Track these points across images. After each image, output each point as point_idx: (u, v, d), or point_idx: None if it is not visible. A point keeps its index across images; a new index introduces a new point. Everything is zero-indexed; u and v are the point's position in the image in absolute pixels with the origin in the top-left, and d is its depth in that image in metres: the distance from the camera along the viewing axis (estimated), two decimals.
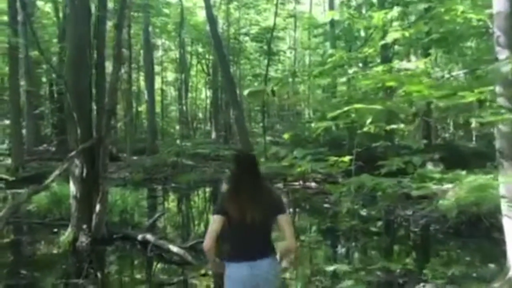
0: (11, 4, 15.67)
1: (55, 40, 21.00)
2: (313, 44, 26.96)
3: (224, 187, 2.99)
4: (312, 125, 19.66)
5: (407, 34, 5.27)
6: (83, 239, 6.86)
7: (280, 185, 13.66)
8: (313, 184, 13.15)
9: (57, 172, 6.67)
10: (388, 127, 4.85)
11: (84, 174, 7.13)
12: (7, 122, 21.13)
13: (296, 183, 13.56)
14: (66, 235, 7.03)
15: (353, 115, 3.86)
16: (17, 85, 16.81)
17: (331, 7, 21.54)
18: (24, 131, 19.57)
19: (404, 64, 5.61)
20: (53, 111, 22.27)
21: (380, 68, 5.49)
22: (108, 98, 7.59)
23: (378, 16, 4.86)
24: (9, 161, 16.27)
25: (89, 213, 7.06)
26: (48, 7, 23.20)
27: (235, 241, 2.82)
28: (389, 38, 5.25)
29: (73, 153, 6.95)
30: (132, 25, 22.30)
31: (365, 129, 4.26)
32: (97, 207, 6.98)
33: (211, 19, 18.13)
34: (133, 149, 20.15)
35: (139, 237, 7.01)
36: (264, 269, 2.76)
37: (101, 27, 7.91)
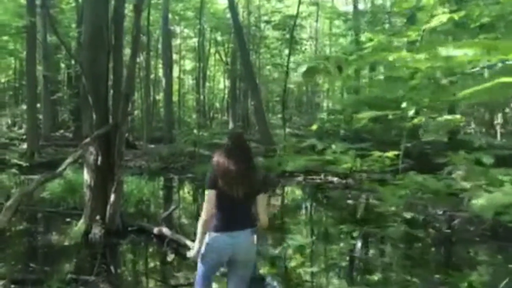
0: None
1: (74, 26, 20.75)
2: (334, 34, 26.30)
3: (214, 159, 2.86)
4: (332, 117, 19.08)
5: (456, 17, 4.72)
6: (96, 231, 6.49)
7: (300, 178, 13.17)
8: (335, 179, 12.62)
9: (70, 159, 6.28)
10: (443, 118, 4.33)
11: (99, 162, 6.76)
12: (24, 107, 21.06)
13: (317, 178, 13.05)
14: (78, 226, 6.68)
15: (403, 104, 3.37)
16: (34, 70, 16.60)
17: None
18: (40, 116, 19.42)
19: (450, 51, 5.07)
20: (71, 97, 22.09)
21: (423, 55, 4.98)
22: (125, 83, 7.18)
23: None
24: (25, 146, 16.12)
25: (103, 203, 6.70)
26: None
27: (221, 213, 3.00)
28: (435, 21, 4.71)
29: (87, 139, 6.57)
30: (152, 11, 21.91)
31: (415, 120, 3.78)
32: (112, 197, 6.61)
33: (232, 6, 17.68)
34: (149, 137, 19.89)
35: (155, 230, 6.65)
36: (242, 238, 3.00)
37: (119, 9, 7.50)
